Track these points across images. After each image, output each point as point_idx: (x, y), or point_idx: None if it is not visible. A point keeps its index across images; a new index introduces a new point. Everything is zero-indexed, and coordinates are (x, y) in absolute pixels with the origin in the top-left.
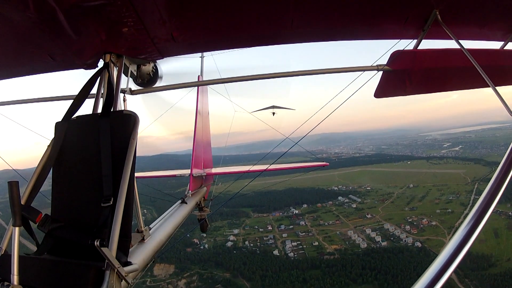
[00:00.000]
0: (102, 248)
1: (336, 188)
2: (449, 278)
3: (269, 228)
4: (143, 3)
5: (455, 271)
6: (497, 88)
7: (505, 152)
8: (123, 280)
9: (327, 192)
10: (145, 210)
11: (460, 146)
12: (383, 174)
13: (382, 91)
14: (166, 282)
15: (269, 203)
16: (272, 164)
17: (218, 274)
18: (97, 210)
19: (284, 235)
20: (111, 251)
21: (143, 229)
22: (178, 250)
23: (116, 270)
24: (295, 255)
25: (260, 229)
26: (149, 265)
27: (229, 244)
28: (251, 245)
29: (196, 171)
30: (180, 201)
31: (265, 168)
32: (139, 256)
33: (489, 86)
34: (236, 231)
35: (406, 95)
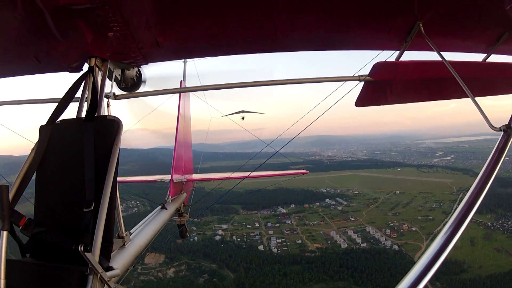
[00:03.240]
0: (85, 253)
1: (324, 190)
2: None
3: (256, 225)
4: (130, 8)
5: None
6: (481, 98)
7: (484, 164)
8: (105, 285)
9: (315, 193)
10: (138, 202)
11: (452, 156)
12: (372, 179)
13: (363, 101)
14: (156, 270)
15: (258, 201)
16: (253, 171)
17: (205, 264)
18: (80, 215)
19: (270, 232)
20: (94, 256)
21: (124, 234)
22: (169, 241)
23: (99, 275)
24: (279, 251)
25: (248, 226)
26: (129, 270)
27: (217, 237)
28: (238, 239)
29: (177, 177)
30: (160, 206)
31: (246, 175)
32: (120, 261)
33: (468, 97)
34: (224, 226)
35: (386, 104)
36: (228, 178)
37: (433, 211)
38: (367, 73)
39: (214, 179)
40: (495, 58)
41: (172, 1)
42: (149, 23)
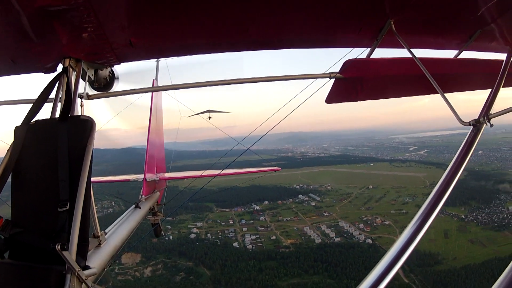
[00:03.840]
0: (63, 252)
1: (297, 186)
2: (396, 273)
3: (231, 222)
4: (104, 9)
5: (401, 267)
6: (451, 94)
7: (452, 157)
8: (83, 284)
9: (289, 190)
10: (112, 203)
11: (426, 150)
12: (345, 175)
13: (333, 97)
14: (133, 270)
15: (231, 198)
16: (225, 169)
17: (181, 263)
18: (56, 215)
19: (244, 229)
20: (71, 255)
21: (99, 233)
22: (145, 240)
23: (76, 273)
24: (253, 247)
25: (222, 223)
26: (105, 269)
27: (192, 236)
28: (213, 237)
29: (149, 176)
30: (134, 205)
31: (217, 173)
32: (96, 260)
33: (438, 93)
34: (199, 224)
35: (357, 100)
36: (201, 176)
37: (406, 204)
38: (337, 70)
39: (186, 177)
40: (467, 54)
41: (145, 2)
42: (123, 23)
